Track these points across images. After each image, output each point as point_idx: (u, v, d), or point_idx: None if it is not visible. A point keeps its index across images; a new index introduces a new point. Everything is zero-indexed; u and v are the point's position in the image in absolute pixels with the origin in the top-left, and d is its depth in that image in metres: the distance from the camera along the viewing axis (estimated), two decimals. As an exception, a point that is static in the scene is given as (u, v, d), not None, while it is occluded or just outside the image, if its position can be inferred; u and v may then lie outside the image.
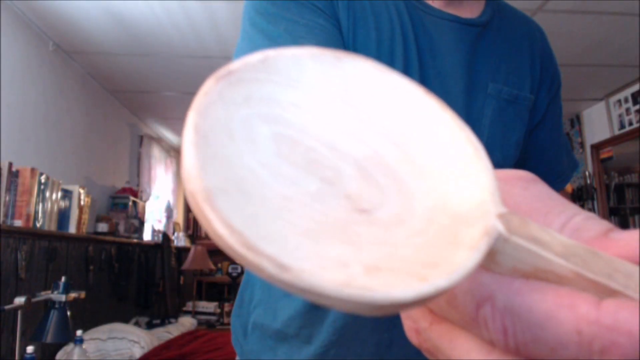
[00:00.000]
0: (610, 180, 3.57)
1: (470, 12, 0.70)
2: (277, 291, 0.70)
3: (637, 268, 0.15)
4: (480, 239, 0.15)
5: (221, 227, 0.14)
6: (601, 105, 3.60)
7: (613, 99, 3.46)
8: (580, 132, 3.84)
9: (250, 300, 0.74)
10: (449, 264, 0.14)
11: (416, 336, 0.20)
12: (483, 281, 0.15)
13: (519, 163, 0.75)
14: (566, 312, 0.14)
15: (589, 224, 0.17)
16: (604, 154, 3.60)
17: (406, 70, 0.64)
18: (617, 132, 3.44)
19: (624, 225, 3.45)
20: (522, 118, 0.71)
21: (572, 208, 0.18)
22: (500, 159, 0.69)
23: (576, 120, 3.88)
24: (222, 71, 0.17)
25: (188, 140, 0.15)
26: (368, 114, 0.19)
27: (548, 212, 0.18)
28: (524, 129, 0.72)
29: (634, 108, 3.27)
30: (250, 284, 0.76)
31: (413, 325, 0.20)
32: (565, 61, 2.92)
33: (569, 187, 3.93)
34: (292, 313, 0.66)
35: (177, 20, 2.48)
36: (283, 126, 0.18)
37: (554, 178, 0.77)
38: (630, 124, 3.30)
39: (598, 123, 3.65)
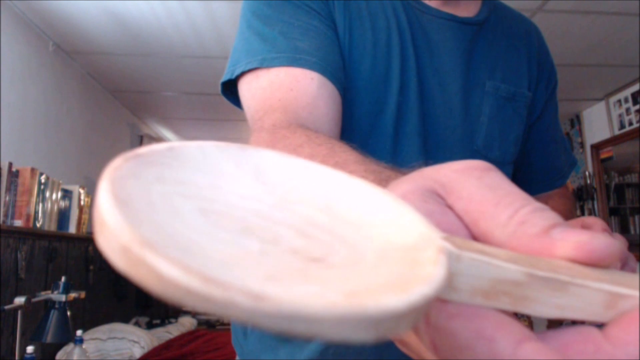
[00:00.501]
0: (610, 180, 3.57)
1: (467, 11, 0.71)
2: None
3: (574, 264, 0.16)
4: (438, 255, 0.15)
5: (172, 268, 0.12)
6: (601, 105, 3.60)
7: (613, 99, 3.46)
8: (580, 132, 3.84)
9: None
10: (422, 277, 0.14)
11: None
12: None
13: (519, 160, 0.76)
14: (483, 344, 0.14)
15: (534, 218, 0.17)
16: (604, 154, 3.59)
17: (403, 68, 0.64)
18: (617, 132, 3.44)
19: (624, 225, 3.45)
20: (520, 115, 0.72)
21: (522, 199, 0.18)
22: (498, 156, 0.69)
23: (576, 120, 3.88)
24: (130, 154, 0.17)
25: (106, 203, 0.14)
26: (285, 190, 0.19)
27: (498, 203, 0.18)
28: (523, 126, 0.73)
29: (634, 108, 3.27)
30: None
31: None
32: (565, 61, 2.92)
33: (569, 187, 3.93)
34: None
35: (177, 20, 2.48)
36: (206, 202, 0.17)
37: (555, 174, 0.78)
38: (631, 124, 3.30)
39: (598, 123, 3.65)
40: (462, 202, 0.19)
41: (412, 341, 0.18)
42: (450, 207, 0.20)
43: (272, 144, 0.43)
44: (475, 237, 0.19)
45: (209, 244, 0.15)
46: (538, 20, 2.45)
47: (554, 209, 0.69)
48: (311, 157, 0.38)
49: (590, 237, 0.16)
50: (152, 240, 0.13)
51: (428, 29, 0.67)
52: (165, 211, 0.15)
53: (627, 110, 3.33)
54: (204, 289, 0.12)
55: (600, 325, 0.15)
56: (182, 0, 2.29)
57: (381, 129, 0.63)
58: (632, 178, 3.42)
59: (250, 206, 0.18)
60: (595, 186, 3.65)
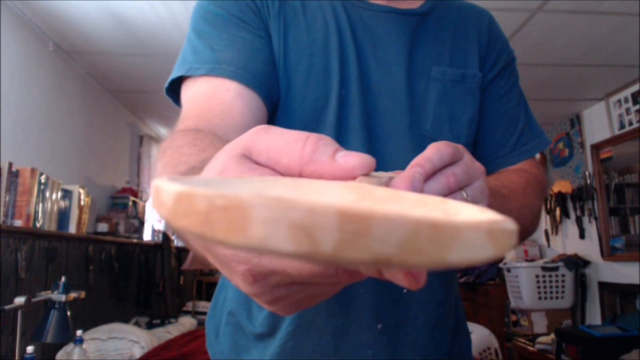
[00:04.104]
0: (610, 181, 3.56)
1: (411, 5, 0.73)
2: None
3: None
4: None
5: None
6: (601, 105, 3.60)
7: (613, 99, 3.45)
8: (580, 132, 3.84)
9: (224, 302, 0.74)
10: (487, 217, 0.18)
11: (251, 275, 0.24)
12: None
13: (478, 138, 0.76)
14: None
15: (321, 147, 0.24)
16: (604, 154, 3.59)
17: (343, 64, 0.67)
18: (617, 132, 3.43)
19: (624, 225, 3.45)
20: (473, 96, 0.73)
21: (301, 134, 0.25)
22: (450, 139, 0.70)
23: (576, 120, 3.88)
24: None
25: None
26: None
27: (288, 142, 0.24)
28: (477, 105, 0.73)
29: (634, 108, 3.26)
30: (224, 287, 0.76)
31: (245, 267, 0.23)
32: (565, 61, 2.92)
33: (569, 187, 3.93)
34: (266, 313, 0.67)
35: (177, 19, 2.47)
36: None
37: (515, 140, 0.76)
38: (631, 124, 3.29)
39: (598, 123, 3.64)
40: (263, 152, 0.25)
41: (286, 267, 0.22)
42: (257, 163, 0.25)
43: (165, 144, 0.48)
44: (281, 173, 0.25)
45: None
46: (538, 20, 2.45)
47: (502, 183, 0.67)
48: (180, 155, 0.42)
49: (352, 157, 0.24)
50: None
51: (370, 24, 0.70)
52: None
53: (627, 110, 3.33)
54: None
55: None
56: (183, 0, 2.29)
57: (325, 123, 0.66)
58: (632, 178, 3.42)
59: None
60: (595, 186, 3.64)
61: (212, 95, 0.59)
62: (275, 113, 0.66)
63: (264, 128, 0.26)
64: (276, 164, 0.25)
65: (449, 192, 0.35)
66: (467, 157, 0.37)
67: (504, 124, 0.76)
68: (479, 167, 0.38)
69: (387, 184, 0.27)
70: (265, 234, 0.13)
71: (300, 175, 0.25)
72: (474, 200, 0.37)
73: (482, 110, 0.75)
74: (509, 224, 0.15)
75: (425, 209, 0.19)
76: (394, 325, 0.65)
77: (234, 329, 0.70)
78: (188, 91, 0.63)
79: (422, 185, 0.30)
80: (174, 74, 0.64)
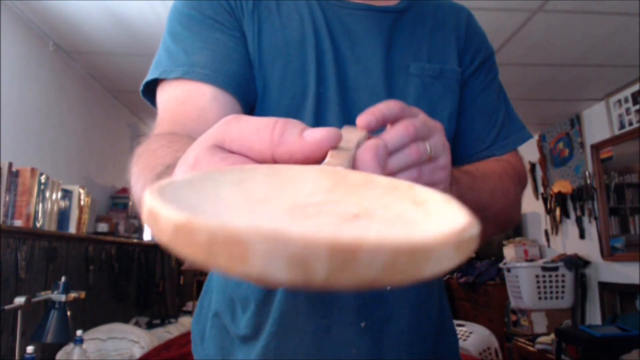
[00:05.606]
0: (610, 180, 3.56)
1: (388, 3, 0.73)
2: (235, 297, 0.69)
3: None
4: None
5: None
6: (601, 105, 3.60)
7: (613, 99, 3.45)
8: (580, 132, 3.84)
9: (209, 306, 0.73)
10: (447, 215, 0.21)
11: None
12: None
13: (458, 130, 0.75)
14: None
15: (289, 128, 0.25)
16: (604, 154, 3.59)
17: (319, 62, 0.67)
18: (617, 132, 3.43)
19: (624, 225, 3.45)
20: (452, 91, 0.72)
21: (270, 120, 0.26)
22: None
23: (576, 120, 3.88)
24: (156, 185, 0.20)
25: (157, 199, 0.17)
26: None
27: (258, 129, 0.26)
28: (457, 101, 0.73)
29: (634, 108, 3.26)
30: (209, 291, 0.75)
31: None
32: (565, 61, 2.92)
33: (569, 187, 3.93)
34: (249, 315, 0.66)
35: (177, 20, 2.47)
36: (246, 193, 0.21)
37: (495, 134, 0.76)
38: (631, 124, 3.29)
39: (598, 123, 3.64)
40: (235, 141, 0.26)
41: None
42: (230, 151, 0.26)
43: (141, 149, 0.47)
44: (255, 159, 0.26)
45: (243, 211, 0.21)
46: (538, 20, 2.45)
47: (475, 167, 0.66)
48: (156, 158, 0.42)
49: (318, 131, 0.25)
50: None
51: (347, 22, 0.69)
52: (208, 194, 0.20)
53: (627, 110, 3.33)
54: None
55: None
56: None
57: (303, 121, 0.65)
58: (632, 178, 3.42)
59: (291, 198, 0.22)
60: (595, 186, 3.64)
61: (187, 100, 0.59)
62: (253, 113, 0.65)
63: (234, 117, 0.27)
64: (248, 151, 0.26)
65: (411, 141, 0.36)
66: (424, 115, 0.38)
67: (483, 118, 0.76)
68: (437, 124, 0.39)
69: (355, 155, 0.29)
70: (264, 266, 0.15)
71: (273, 158, 0.26)
72: (436, 154, 0.38)
73: (461, 105, 0.74)
74: (473, 229, 0.16)
75: (395, 195, 0.22)
76: (377, 323, 0.65)
77: (219, 332, 0.69)
78: (163, 94, 0.62)
79: (386, 154, 0.30)
80: (148, 77, 0.63)
